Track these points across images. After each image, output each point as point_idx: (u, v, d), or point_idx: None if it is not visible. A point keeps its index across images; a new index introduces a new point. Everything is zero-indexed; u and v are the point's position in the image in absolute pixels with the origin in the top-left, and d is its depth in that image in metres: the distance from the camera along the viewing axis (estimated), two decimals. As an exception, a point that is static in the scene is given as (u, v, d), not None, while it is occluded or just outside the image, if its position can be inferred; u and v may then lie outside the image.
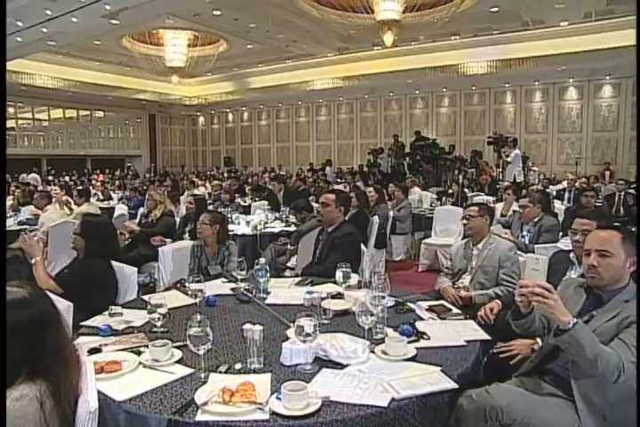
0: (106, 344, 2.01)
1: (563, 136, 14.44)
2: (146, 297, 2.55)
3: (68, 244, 5.54)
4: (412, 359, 1.86)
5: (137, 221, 5.63)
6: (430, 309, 2.45)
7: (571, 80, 13.88)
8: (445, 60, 12.92)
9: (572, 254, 2.74)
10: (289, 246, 4.30)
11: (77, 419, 1.33)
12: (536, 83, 14.32)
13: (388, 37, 10.45)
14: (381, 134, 17.00)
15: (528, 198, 4.42)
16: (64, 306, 2.29)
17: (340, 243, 3.36)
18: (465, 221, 3.26)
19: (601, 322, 1.79)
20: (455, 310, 2.46)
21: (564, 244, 3.44)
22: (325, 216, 3.49)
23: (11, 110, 16.73)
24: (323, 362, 1.81)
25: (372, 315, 1.97)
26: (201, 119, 21.58)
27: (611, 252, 1.85)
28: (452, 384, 1.66)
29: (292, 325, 2.10)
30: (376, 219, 5.12)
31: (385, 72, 13.73)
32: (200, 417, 1.46)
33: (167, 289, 2.95)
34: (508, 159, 10.43)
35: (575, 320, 1.65)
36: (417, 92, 16.17)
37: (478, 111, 15.61)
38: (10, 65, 12.07)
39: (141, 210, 6.28)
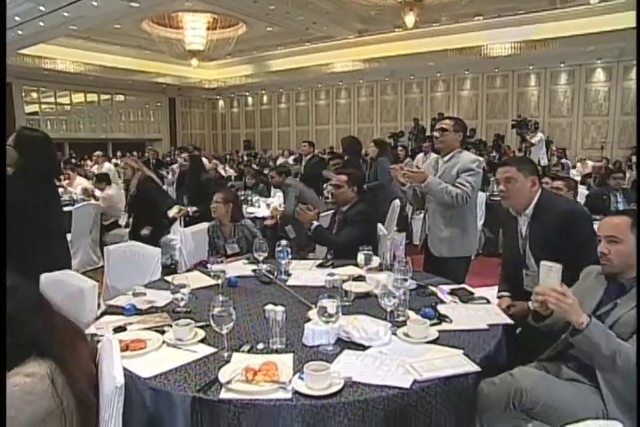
0: (130, 323, 2.04)
1: (588, 120, 14.09)
2: (169, 278, 2.58)
3: (89, 227, 5.64)
4: (434, 342, 1.86)
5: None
6: (452, 292, 2.43)
7: (599, 61, 13.48)
8: (468, 41, 12.63)
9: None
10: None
11: (104, 395, 1.36)
12: (562, 64, 13.94)
13: (410, 18, 10.28)
14: (402, 118, 16.79)
15: (563, 182, 4.14)
16: (89, 286, 2.33)
17: (352, 220, 3.35)
18: (437, 134, 3.10)
19: (625, 310, 1.75)
20: (478, 295, 2.43)
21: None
22: (339, 197, 3.49)
23: (34, 95, 16.93)
24: (344, 343, 1.81)
25: (394, 297, 1.96)
26: (220, 103, 21.56)
27: (619, 237, 1.80)
28: (474, 367, 1.65)
29: (313, 306, 2.11)
30: (397, 202, 5.08)
31: (406, 54, 13.51)
32: (224, 395, 1.47)
33: (189, 270, 2.97)
34: (533, 140, 10.23)
35: (588, 320, 1.63)
36: (438, 74, 15.89)
37: (501, 94, 15.29)
38: (32, 50, 12.20)
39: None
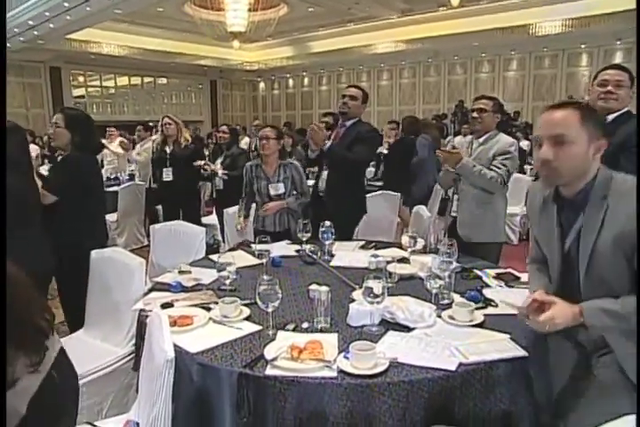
0: (177, 300, 2.09)
1: (644, 101, 13.42)
2: (213, 256, 2.62)
3: (137, 206, 5.80)
4: (480, 326, 1.83)
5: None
6: (498, 276, 2.39)
7: (659, 38, 12.72)
8: (515, 20, 12.12)
9: None
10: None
11: (155, 368, 1.40)
12: (618, 42, 13.19)
13: (456, -4, 9.95)
14: (445, 100, 16.41)
15: None
16: (136, 263, 2.39)
17: (364, 137, 3.33)
18: (476, 115, 2.96)
19: (592, 237, 1.44)
20: (524, 279, 2.38)
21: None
22: (352, 109, 3.40)
23: (80, 79, 17.33)
24: (389, 324, 1.81)
25: (440, 278, 1.93)
26: (261, 85, 21.59)
27: (568, 136, 1.41)
28: (521, 352, 1.62)
29: (357, 287, 2.11)
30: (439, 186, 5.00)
31: (450, 34, 13.09)
32: (270, 372, 1.49)
33: (232, 249, 3.01)
34: None
35: (579, 312, 1.41)
36: (483, 55, 15.41)
37: (549, 75, 14.70)
38: (79, 35, 12.46)
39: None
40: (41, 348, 1.04)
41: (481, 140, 3.00)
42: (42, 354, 1.03)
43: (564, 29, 11.86)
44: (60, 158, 2.91)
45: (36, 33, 11.14)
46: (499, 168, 2.84)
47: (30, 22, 10.43)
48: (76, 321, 2.64)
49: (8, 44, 11.82)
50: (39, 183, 2.64)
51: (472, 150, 3.01)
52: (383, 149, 5.96)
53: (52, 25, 10.56)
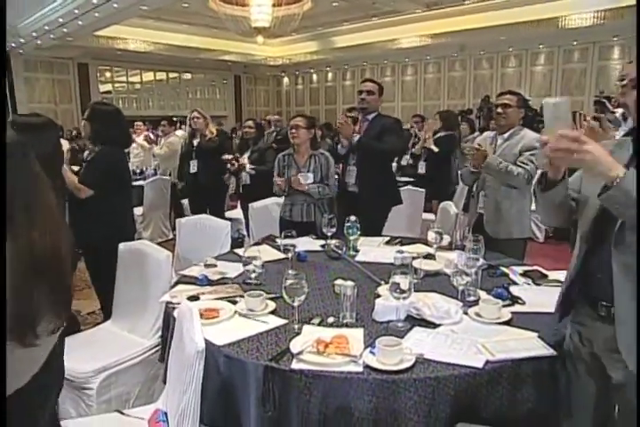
0: (203, 293, 2.11)
1: (678, 96, 13.02)
2: (239, 250, 2.64)
3: (162, 200, 5.87)
4: (507, 323, 1.81)
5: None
6: (525, 274, 2.36)
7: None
8: (544, 12, 11.83)
9: None
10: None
11: (185, 358, 1.42)
12: (651, 35, 12.84)
13: (483, -11, 9.79)
14: (470, 95, 16.17)
15: None
16: (164, 256, 2.42)
17: (393, 128, 3.46)
18: (500, 110, 2.94)
19: None
20: (552, 277, 2.34)
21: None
22: (371, 104, 3.53)
23: (107, 75, 17.58)
24: (415, 320, 1.80)
25: (466, 275, 1.92)
26: (285, 80, 21.59)
27: None
28: (549, 351, 1.60)
29: (382, 282, 2.11)
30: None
31: (476, 28, 12.85)
32: (295, 365, 1.50)
33: (257, 244, 3.02)
34: (616, 114, 9.61)
35: (624, 171, 1.22)
36: (510, 49, 15.12)
37: (578, 69, 14.35)
38: (106, 31, 12.64)
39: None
40: (63, 315, 1.04)
41: (505, 135, 2.98)
42: (62, 322, 1.04)
43: (595, 22, 11.54)
44: (90, 153, 2.96)
45: (65, 30, 11.32)
46: (526, 164, 2.82)
47: (60, 20, 10.62)
48: (110, 312, 2.71)
49: (39, 42, 12.04)
50: (74, 178, 2.71)
51: (496, 146, 2.98)
52: (431, 145, 5.86)
53: (80, 22, 10.73)
